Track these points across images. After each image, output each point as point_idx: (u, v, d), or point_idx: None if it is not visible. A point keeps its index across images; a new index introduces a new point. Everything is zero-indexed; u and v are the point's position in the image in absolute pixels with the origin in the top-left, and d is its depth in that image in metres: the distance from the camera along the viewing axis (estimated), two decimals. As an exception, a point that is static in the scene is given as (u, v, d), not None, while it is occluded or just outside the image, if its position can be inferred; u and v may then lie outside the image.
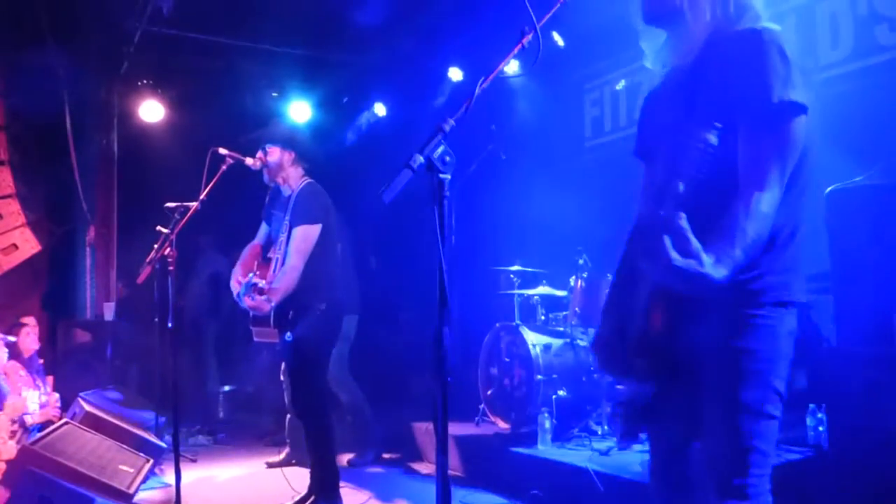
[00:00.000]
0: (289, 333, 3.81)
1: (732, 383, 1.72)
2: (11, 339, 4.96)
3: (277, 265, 3.92)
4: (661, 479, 2.03)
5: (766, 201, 1.61)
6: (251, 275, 3.72)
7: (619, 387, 2.04)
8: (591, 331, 4.92)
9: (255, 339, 4.03)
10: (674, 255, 1.51)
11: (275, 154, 4.01)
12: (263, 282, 3.68)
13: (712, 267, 1.54)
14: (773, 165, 1.63)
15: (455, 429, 5.06)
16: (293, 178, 4.07)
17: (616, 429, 2.14)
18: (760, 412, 1.72)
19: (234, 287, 3.89)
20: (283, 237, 3.96)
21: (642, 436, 2.06)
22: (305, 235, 3.85)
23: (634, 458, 3.95)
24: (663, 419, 1.92)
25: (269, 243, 4.18)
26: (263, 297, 3.66)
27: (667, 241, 1.52)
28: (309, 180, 4.08)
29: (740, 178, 1.65)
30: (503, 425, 4.93)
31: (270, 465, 5.08)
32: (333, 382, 5.09)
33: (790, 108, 1.64)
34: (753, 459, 1.72)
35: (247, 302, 3.71)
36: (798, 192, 1.74)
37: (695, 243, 1.54)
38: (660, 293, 1.71)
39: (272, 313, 3.77)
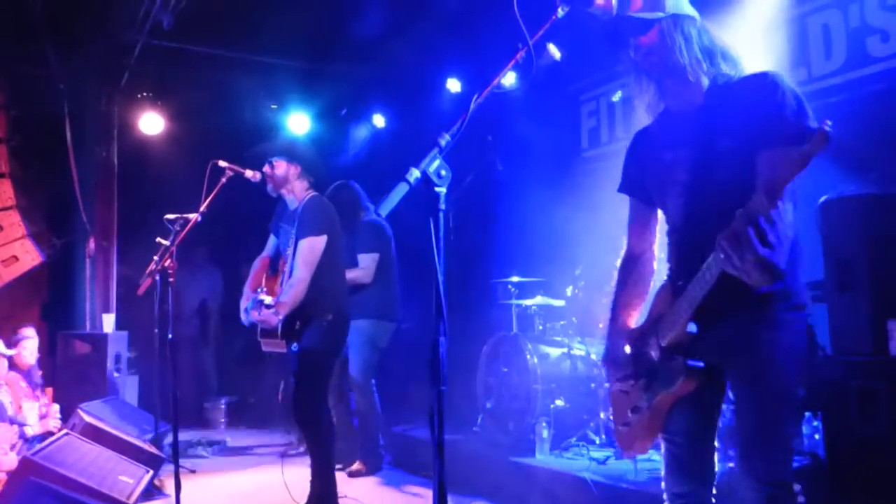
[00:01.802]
0: (295, 344, 3.86)
1: (780, 376, 1.94)
2: (11, 352, 4.97)
3: (285, 278, 3.96)
4: (686, 475, 2.13)
5: (789, 211, 1.82)
6: (259, 290, 3.76)
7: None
8: (589, 339, 4.94)
9: (264, 349, 4.07)
10: (759, 245, 1.69)
11: (281, 167, 4.06)
12: (270, 298, 3.72)
13: (780, 259, 1.75)
14: (790, 181, 1.83)
15: (454, 438, 5.08)
16: (299, 191, 4.11)
17: (629, 439, 2.22)
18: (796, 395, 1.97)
19: (243, 304, 3.94)
20: (290, 250, 4.00)
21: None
22: (311, 247, 3.89)
23: (632, 467, 3.97)
24: (697, 419, 2.10)
25: (277, 255, 4.23)
26: (271, 311, 3.70)
27: (753, 233, 1.68)
28: (314, 193, 4.12)
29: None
30: (501, 435, 4.94)
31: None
32: (355, 387, 5.16)
33: (806, 132, 1.82)
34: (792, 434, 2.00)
35: (254, 316, 3.75)
36: (794, 210, 1.96)
37: (772, 237, 1.71)
38: (709, 298, 1.90)
39: (280, 324, 3.81)
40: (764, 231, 1.70)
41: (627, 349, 2.16)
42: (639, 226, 2.31)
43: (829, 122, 1.60)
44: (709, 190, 2.00)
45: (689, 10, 2.11)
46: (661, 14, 2.05)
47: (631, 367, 2.14)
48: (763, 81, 1.97)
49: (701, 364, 1.96)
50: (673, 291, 2.06)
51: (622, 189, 2.35)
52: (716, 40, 2.10)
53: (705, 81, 2.07)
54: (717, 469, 2.15)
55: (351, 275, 5.00)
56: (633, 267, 2.31)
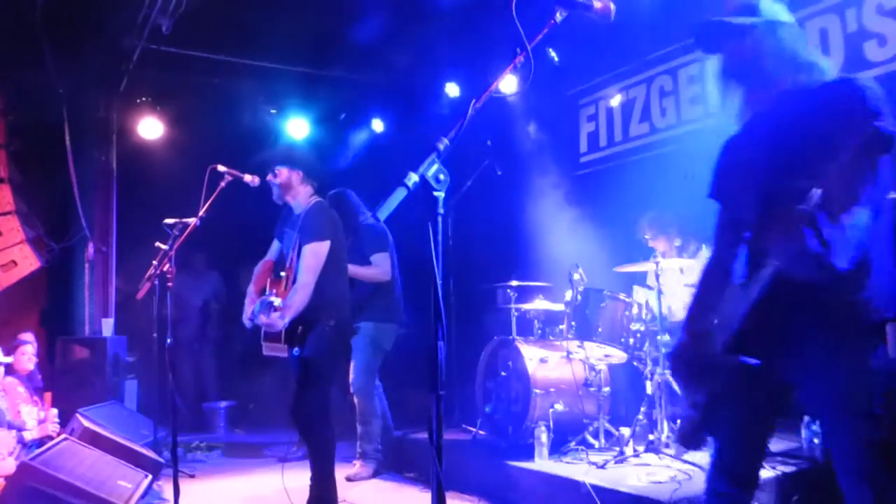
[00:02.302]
0: (297, 349, 3.87)
1: (861, 395, 1.91)
2: (8, 359, 4.96)
3: (289, 283, 3.97)
4: (730, 476, 2.15)
5: (862, 214, 1.82)
6: (269, 293, 3.77)
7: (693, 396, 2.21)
8: (588, 344, 4.95)
9: (265, 353, 4.07)
10: (812, 242, 1.70)
11: (283, 174, 4.08)
12: (280, 300, 3.73)
13: (838, 258, 1.74)
14: (866, 186, 1.83)
15: (452, 442, 5.08)
16: (303, 197, 4.14)
17: (685, 434, 2.24)
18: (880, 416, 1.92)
19: (248, 307, 3.94)
20: (293, 255, 4.01)
21: (708, 442, 2.21)
22: (315, 252, 3.91)
23: (630, 472, 3.97)
24: (745, 419, 2.12)
25: (280, 260, 4.24)
26: (276, 315, 3.71)
27: (806, 230, 1.70)
28: (317, 199, 4.15)
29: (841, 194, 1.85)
30: (500, 439, 4.94)
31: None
32: (356, 389, 5.15)
33: (886, 136, 1.74)
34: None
35: (261, 319, 3.77)
36: (879, 224, 1.94)
37: (829, 235, 1.72)
38: (770, 299, 1.92)
39: (283, 329, 3.82)
40: (820, 229, 1.70)
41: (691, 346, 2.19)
42: (726, 232, 2.29)
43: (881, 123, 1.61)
44: (780, 193, 1.99)
45: (785, 16, 2.12)
46: (757, 20, 2.06)
47: (694, 365, 2.16)
48: (841, 88, 1.98)
49: (755, 362, 1.97)
50: (740, 291, 2.07)
51: (711, 195, 2.33)
52: (805, 47, 2.10)
53: (790, 87, 2.07)
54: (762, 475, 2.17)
55: (368, 272, 5.04)
56: (718, 274, 2.29)
